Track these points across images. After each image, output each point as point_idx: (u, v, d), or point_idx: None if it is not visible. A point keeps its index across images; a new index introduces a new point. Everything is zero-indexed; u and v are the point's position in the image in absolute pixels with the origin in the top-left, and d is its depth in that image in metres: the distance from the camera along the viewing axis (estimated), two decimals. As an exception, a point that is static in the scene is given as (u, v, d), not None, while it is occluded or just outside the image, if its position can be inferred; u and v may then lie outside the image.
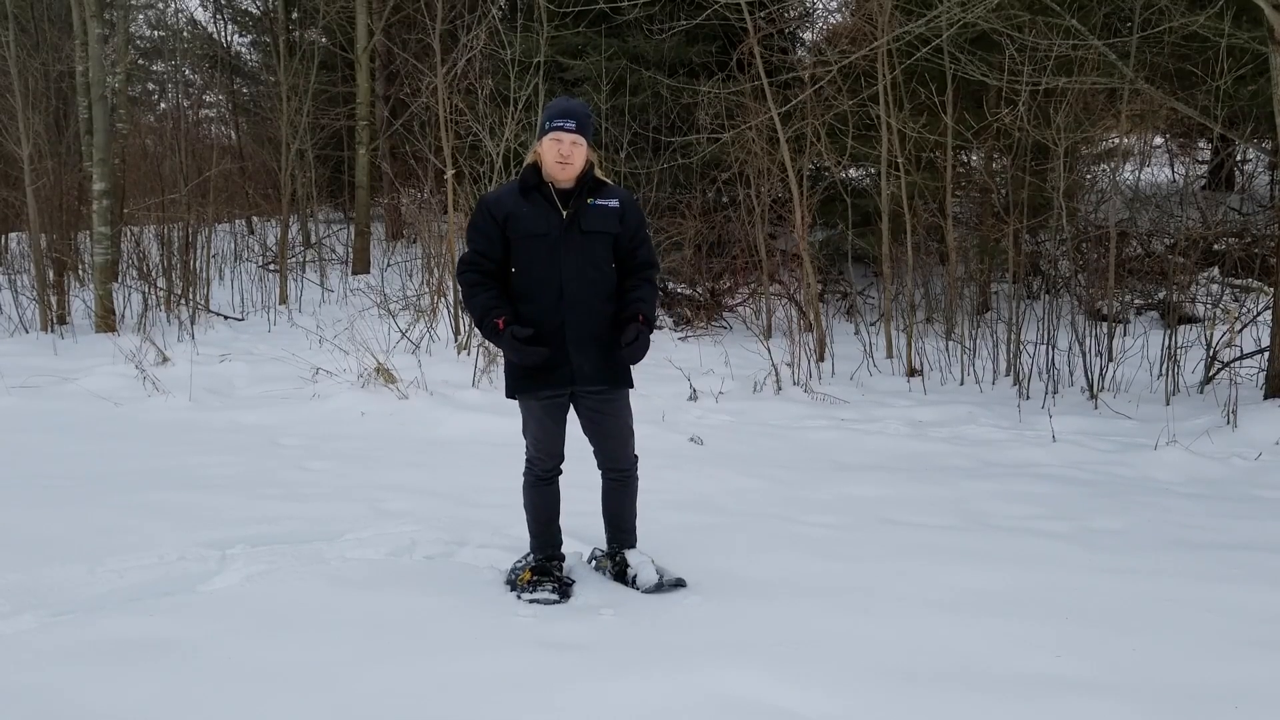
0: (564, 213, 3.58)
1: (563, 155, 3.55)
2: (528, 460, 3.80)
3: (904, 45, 9.03)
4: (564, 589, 3.66)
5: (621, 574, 3.82)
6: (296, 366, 8.42)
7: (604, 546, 3.97)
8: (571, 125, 3.54)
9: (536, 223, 3.58)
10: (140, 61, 21.80)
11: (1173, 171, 13.26)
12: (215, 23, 19.90)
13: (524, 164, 3.71)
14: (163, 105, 22.09)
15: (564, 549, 3.89)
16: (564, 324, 3.57)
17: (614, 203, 3.67)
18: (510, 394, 3.69)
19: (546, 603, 3.57)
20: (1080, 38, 8.16)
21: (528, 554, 3.88)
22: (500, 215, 3.59)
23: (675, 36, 10.78)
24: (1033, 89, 8.74)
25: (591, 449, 3.82)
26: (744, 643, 3.21)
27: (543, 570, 3.73)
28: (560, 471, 3.82)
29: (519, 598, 3.61)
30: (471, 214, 3.71)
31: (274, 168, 14.77)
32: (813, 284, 9.62)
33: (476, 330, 3.63)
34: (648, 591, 3.69)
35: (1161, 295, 9.75)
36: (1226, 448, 6.16)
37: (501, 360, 8.60)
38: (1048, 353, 8.11)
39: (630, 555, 3.85)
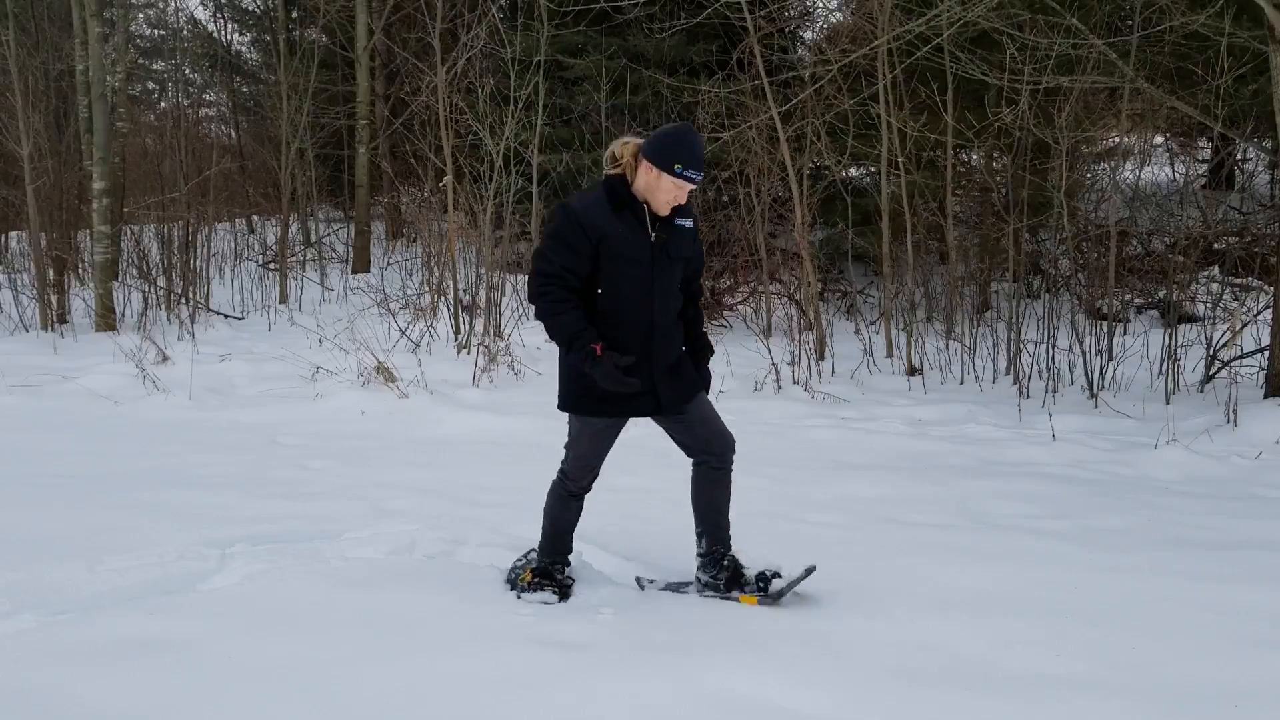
0: (653, 235, 3.41)
1: (677, 200, 3.40)
2: (565, 473, 3.64)
3: (904, 44, 9.03)
4: (564, 591, 3.65)
5: (736, 580, 3.61)
6: (297, 365, 8.43)
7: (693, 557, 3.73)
8: (699, 179, 3.38)
9: (631, 246, 3.39)
10: (140, 60, 21.79)
11: (1173, 170, 13.25)
12: (215, 21, 19.91)
13: (606, 169, 3.49)
14: (163, 104, 22.09)
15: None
16: (652, 354, 3.44)
17: (689, 223, 3.52)
18: (573, 410, 3.50)
19: (546, 603, 3.56)
20: (1081, 37, 8.15)
21: (530, 552, 3.85)
22: (595, 234, 3.35)
23: (675, 35, 10.78)
24: (1033, 88, 8.74)
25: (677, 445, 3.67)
26: (744, 643, 3.21)
27: (544, 574, 3.68)
28: (590, 489, 3.72)
29: (519, 597, 3.61)
30: (554, 221, 3.42)
31: (274, 167, 14.77)
32: (813, 283, 9.62)
33: (559, 346, 3.40)
34: (778, 595, 3.54)
35: (1162, 294, 9.75)
36: (1226, 447, 6.16)
37: (501, 360, 8.64)
38: (1048, 352, 8.11)
39: (740, 558, 3.67)
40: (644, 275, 3.40)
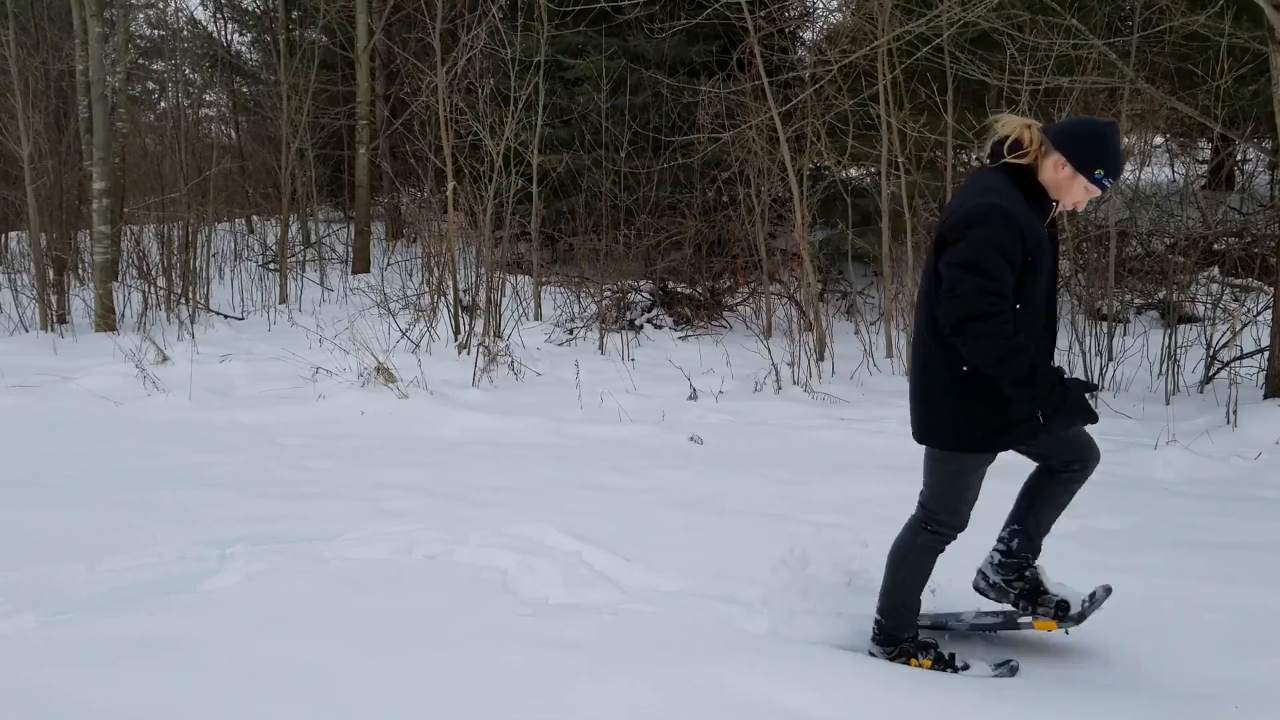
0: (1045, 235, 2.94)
1: (1078, 206, 2.96)
2: (940, 525, 3.08)
3: (904, 44, 9.03)
4: (956, 664, 3.16)
5: (1032, 597, 3.19)
6: (296, 366, 8.43)
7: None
8: (1111, 186, 2.96)
9: (1047, 250, 2.89)
10: (140, 61, 21.79)
11: (1173, 171, 13.25)
12: (215, 22, 19.91)
13: (1007, 154, 2.91)
14: (163, 104, 22.11)
15: (562, 546, 3.88)
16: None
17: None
18: (969, 447, 2.98)
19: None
20: (1081, 37, 8.15)
21: (905, 636, 3.17)
22: (1030, 240, 2.80)
23: (675, 36, 10.78)
24: (1033, 88, 8.74)
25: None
26: (744, 643, 3.20)
27: (941, 660, 3.14)
28: None
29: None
30: (986, 226, 2.78)
31: (274, 167, 14.77)
32: (813, 283, 9.62)
33: (1012, 376, 2.78)
34: (1080, 617, 3.12)
35: (1161, 295, 9.74)
36: (1226, 447, 6.16)
37: (501, 361, 8.64)
38: (1048, 352, 8.10)
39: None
40: (1050, 284, 2.96)
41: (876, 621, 3.19)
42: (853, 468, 5.87)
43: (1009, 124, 2.94)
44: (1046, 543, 4.33)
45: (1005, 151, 2.91)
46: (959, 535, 3.10)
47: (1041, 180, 2.90)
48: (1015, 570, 3.18)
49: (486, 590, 3.70)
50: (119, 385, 7.96)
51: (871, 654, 3.18)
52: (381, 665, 3.00)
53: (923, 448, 3.09)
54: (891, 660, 3.14)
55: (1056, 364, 2.86)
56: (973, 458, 3.00)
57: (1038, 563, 3.22)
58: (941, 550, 3.12)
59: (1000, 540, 3.23)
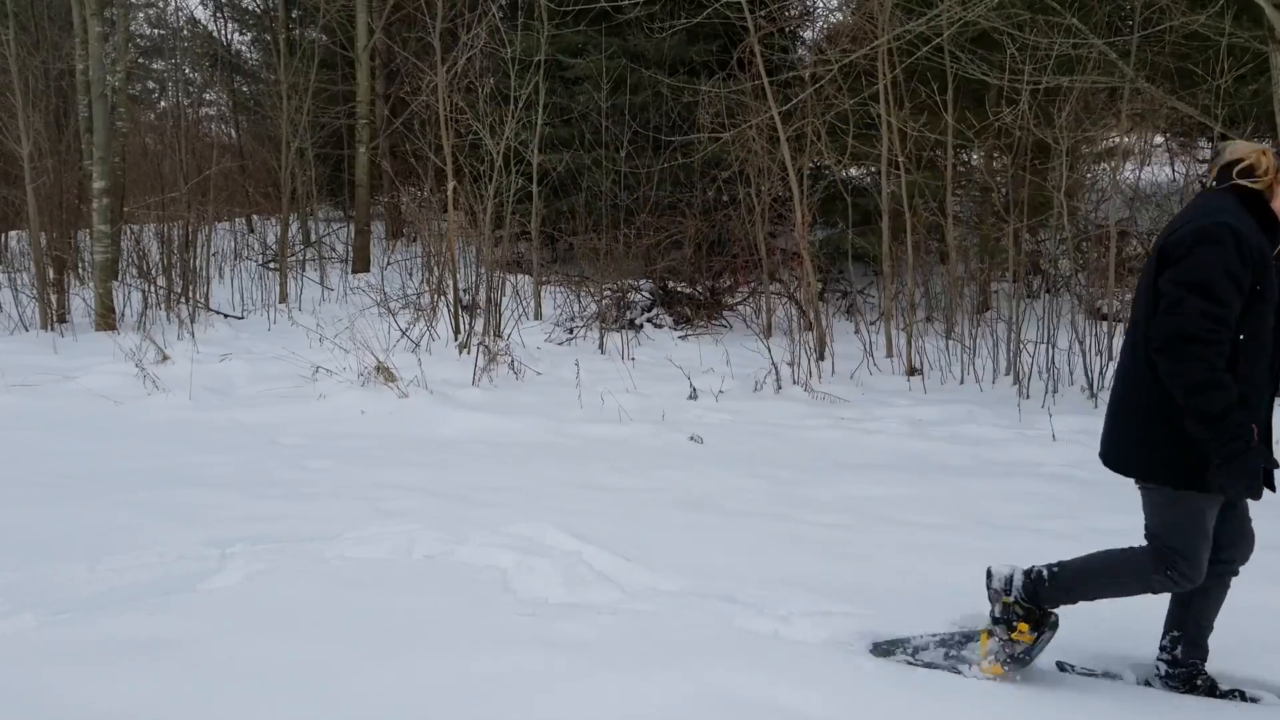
0: None
1: None
2: (1180, 574, 2.77)
3: (904, 44, 9.03)
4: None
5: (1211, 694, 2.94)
6: (296, 365, 8.42)
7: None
8: None
9: (1276, 283, 2.69)
10: (140, 60, 21.79)
11: (1173, 171, 13.24)
12: (215, 21, 19.91)
13: (1237, 178, 2.76)
14: (163, 104, 22.10)
15: (562, 546, 3.88)
16: (1272, 423, 2.79)
17: None
18: (1197, 485, 2.72)
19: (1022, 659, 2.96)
20: (1081, 37, 8.16)
21: (1043, 606, 3.00)
22: (1258, 267, 2.63)
23: (676, 35, 10.78)
24: (1033, 88, 8.74)
25: None
26: (744, 643, 3.20)
27: (1039, 627, 2.98)
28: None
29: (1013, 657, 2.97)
30: (1218, 247, 2.61)
31: (274, 166, 14.77)
32: (813, 283, 9.62)
33: (1199, 412, 2.60)
34: None
35: (1162, 294, 9.73)
36: (1227, 447, 6.15)
37: (501, 360, 8.64)
38: (1048, 352, 8.10)
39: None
40: (1277, 320, 2.74)
41: (1039, 575, 2.98)
42: (853, 468, 5.87)
43: (1241, 149, 2.81)
44: (1048, 543, 4.35)
45: (1235, 175, 2.76)
46: (1188, 587, 2.83)
47: (1274, 206, 2.74)
48: (1185, 680, 2.93)
49: (486, 590, 3.70)
50: (119, 385, 7.96)
51: (991, 582, 3.02)
52: (381, 665, 3.00)
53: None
54: (1005, 606, 2.96)
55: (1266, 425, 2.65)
56: (1199, 498, 2.74)
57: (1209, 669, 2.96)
58: (1157, 594, 2.89)
59: (1162, 649, 2.98)
